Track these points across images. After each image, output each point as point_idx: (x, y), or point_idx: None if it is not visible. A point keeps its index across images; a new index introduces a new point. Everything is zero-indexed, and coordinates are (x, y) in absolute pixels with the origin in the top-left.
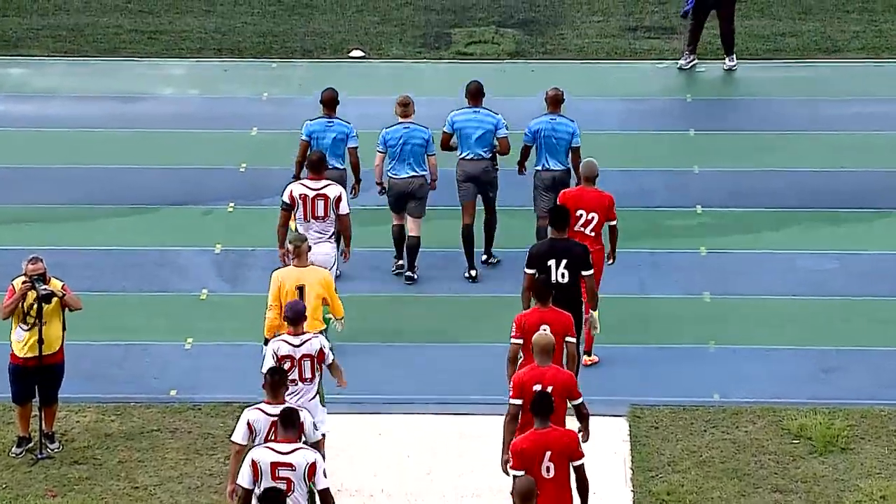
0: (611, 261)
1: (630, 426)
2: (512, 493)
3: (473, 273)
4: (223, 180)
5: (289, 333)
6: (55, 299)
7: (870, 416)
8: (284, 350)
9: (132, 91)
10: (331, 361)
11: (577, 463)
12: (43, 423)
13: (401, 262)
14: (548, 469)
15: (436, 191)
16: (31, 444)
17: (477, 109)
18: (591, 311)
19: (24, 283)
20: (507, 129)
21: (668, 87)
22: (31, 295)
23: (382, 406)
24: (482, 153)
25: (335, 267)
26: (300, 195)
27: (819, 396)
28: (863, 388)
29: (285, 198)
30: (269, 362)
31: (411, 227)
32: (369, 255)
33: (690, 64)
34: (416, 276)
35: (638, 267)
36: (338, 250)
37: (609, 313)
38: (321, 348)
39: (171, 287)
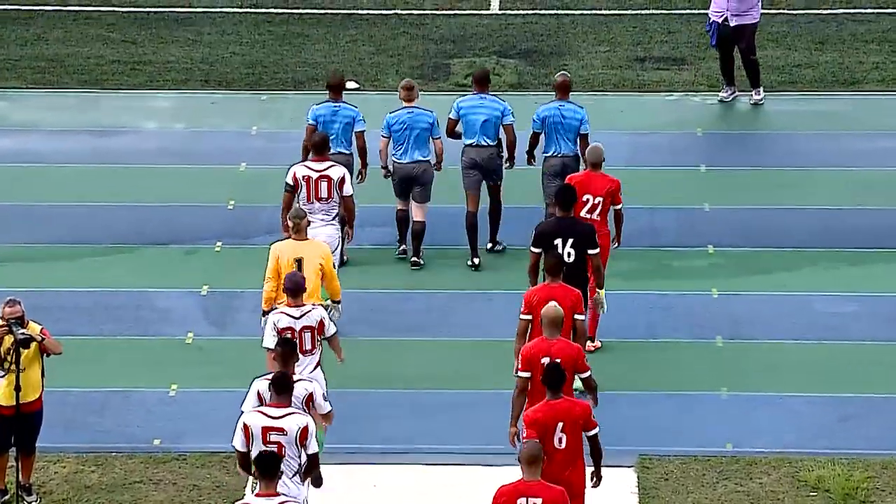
0: (616, 244)
1: (638, 477)
2: (519, 459)
3: (476, 261)
4: (210, 218)
5: (288, 305)
6: (34, 344)
7: (891, 468)
8: (284, 322)
9: (114, 124)
10: (331, 334)
11: (591, 433)
12: (20, 474)
13: (403, 246)
14: (560, 440)
15: (441, 230)
16: (7, 497)
17: (483, 96)
18: (597, 290)
19: (0, 326)
20: (513, 116)
21: (678, 121)
22: (8, 339)
23: (377, 456)
24: (488, 140)
25: (338, 251)
26: (304, 176)
27: (837, 447)
28: (884, 437)
29: (288, 179)
30: (268, 335)
31: (416, 212)
32: (367, 297)
33: (731, 96)
34: (422, 262)
35: (647, 310)
36: (341, 233)
37: (616, 358)
38: (321, 320)
39: (154, 331)
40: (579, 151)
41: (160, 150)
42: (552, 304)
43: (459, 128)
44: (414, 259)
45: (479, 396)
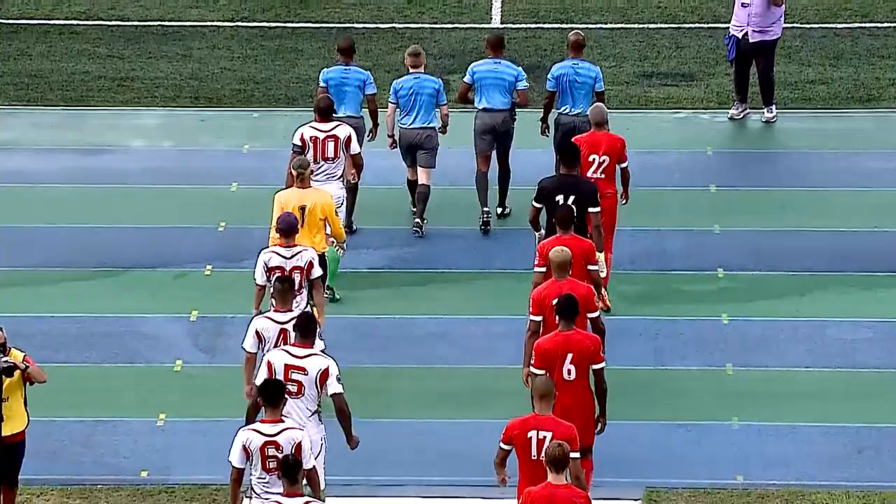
0: (624, 201)
1: None
2: (531, 393)
3: (487, 210)
4: (200, 240)
5: (280, 245)
6: (17, 372)
7: None
8: (275, 261)
9: (100, 143)
10: (315, 276)
11: (598, 366)
12: None
13: (416, 210)
14: (569, 372)
15: (439, 253)
16: None
17: (498, 60)
18: (597, 253)
19: None
20: (526, 80)
21: (687, 139)
22: None
23: (373, 488)
24: (501, 104)
25: (343, 209)
26: (311, 137)
27: (853, 479)
28: None
29: (296, 140)
30: (259, 271)
31: (421, 176)
32: (359, 322)
33: (742, 114)
34: (425, 221)
35: (654, 336)
36: (345, 191)
37: (622, 386)
38: (311, 261)
39: (141, 358)
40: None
41: (148, 169)
42: (558, 248)
43: (471, 94)
44: (416, 221)
45: (479, 426)
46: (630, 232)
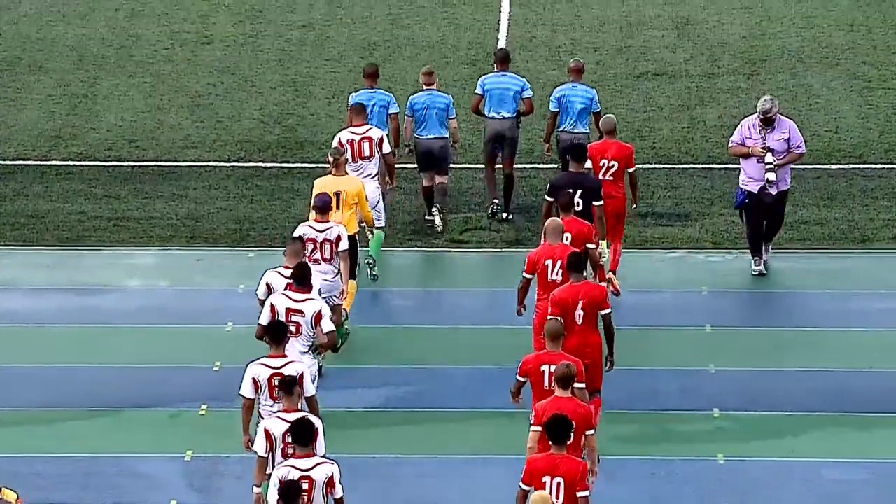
0: (635, 205)
1: None
2: (543, 335)
3: (497, 201)
4: (195, 380)
5: (315, 220)
6: None
7: None
8: (310, 234)
9: (95, 283)
10: (342, 249)
11: (605, 312)
12: None
13: (430, 217)
14: (579, 316)
15: (434, 391)
16: None
17: (504, 73)
18: (598, 241)
19: None
20: (531, 91)
21: (682, 279)
22: None
23: None
24: (508, 113)
25: (380, 204)
26: (348, 140)
27: None
28: None
29: (335, 144)
30: (298, 232)
31: (439, 178)
32: (355, 462)
33: (762, 264)
34: (441, 212)
35: (649, 476)
36: (380, 191)
37: None
38: (339, 235)
39: (136, 498)
40: (593, 125)
41: (143, 308)
42: (554, 218)
43: (482, 105)
44: (434, 210)
45: None
46: (625, 371)
